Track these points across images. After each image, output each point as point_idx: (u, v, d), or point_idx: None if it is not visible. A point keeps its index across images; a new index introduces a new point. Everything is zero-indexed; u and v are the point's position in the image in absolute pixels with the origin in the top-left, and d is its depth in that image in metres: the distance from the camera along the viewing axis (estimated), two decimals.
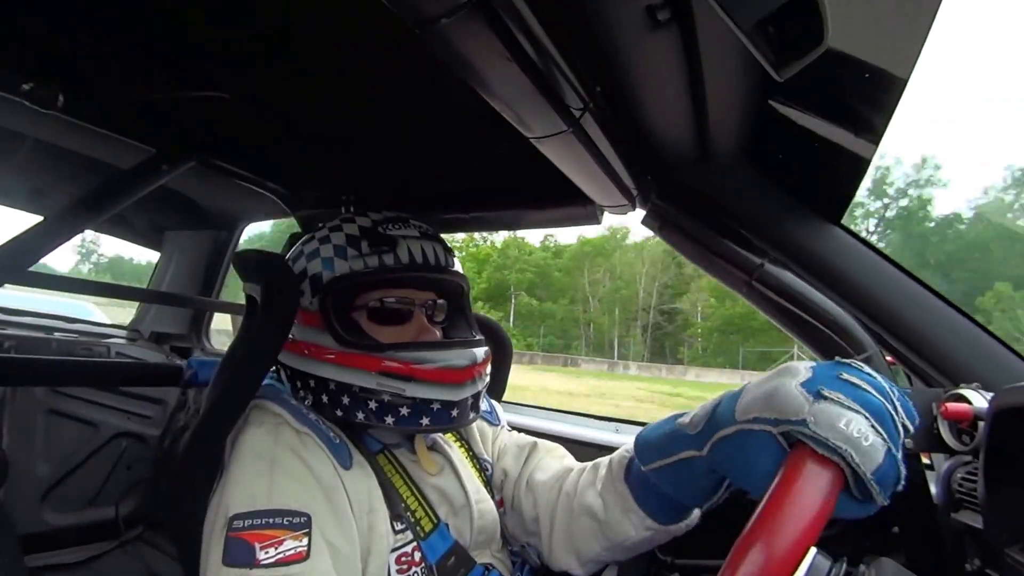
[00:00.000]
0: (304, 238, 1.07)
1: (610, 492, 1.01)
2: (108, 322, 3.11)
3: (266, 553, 0.76)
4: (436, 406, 0.94)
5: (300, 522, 0.79)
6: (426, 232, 1.05)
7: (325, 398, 0.96)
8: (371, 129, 1.38)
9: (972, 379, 0.93)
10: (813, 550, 0.62)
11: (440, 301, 1.08)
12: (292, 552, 0.77)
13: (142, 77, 1.23)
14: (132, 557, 2.28)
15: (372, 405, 0.93)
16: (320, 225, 1.07)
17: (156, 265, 2.74)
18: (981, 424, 0.83)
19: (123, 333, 2.70)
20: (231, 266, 2.63)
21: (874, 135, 0.92)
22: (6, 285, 1.47)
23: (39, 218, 1.48)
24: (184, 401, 2.43)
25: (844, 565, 0.64)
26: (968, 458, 0.91)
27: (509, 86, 0.76)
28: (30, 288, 1.74)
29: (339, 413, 0.94)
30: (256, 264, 1.05)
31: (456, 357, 0.96)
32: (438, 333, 1.06)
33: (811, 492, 0.60)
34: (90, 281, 2.25)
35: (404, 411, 0.93)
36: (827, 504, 0.60)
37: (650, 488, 0.93)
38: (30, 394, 2.11)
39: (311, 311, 0.97)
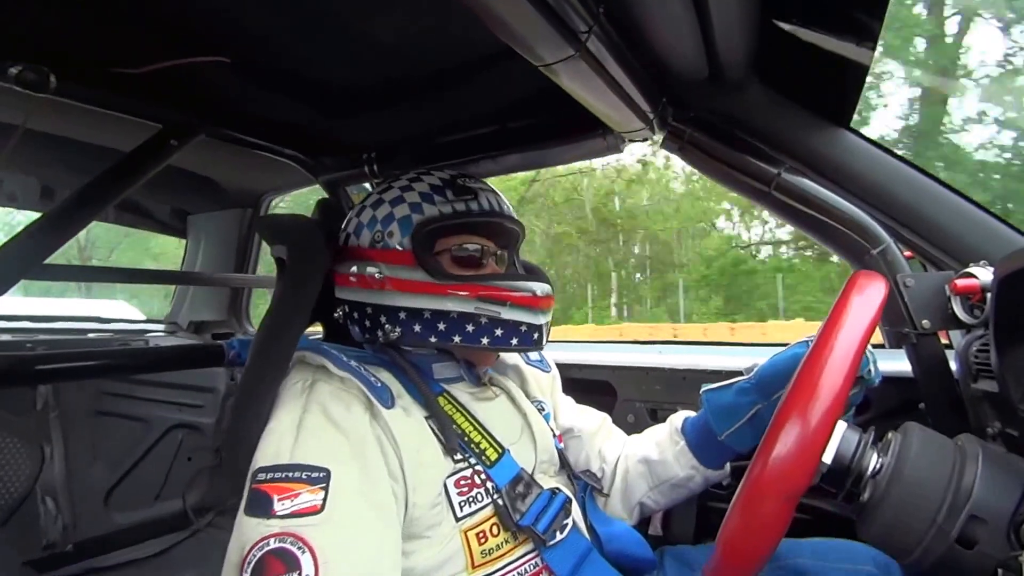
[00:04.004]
0: (379, 187, 1.22)
1: (667, 443, 1.32)
2: (143, 318, 3.24)
3: (282, 505, 0.87)
4: (524, 328, 1.14)
5: (318, 477, 0.90)
6: (492, 188, 1.24)
7: (418, 326, 1.12)
8: (384, 81, 1.46)
9: (980, 259, 1.09)
10: (843, 424, 0.74)
11: (503, 252, 1.26)
12: (307, 505, 0.87)
13: (136, 49, 1.28)
14: (207, 544, 2.51)
15: (469, 328, 1.11)
16: (395, 177, 1.22)
17: (184, 252, 2.89)
18: (989, 296, 1.00)
19: (161, 327, 2.88)
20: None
21: (871, 40, 1.05)
22: (32, 295, 1.49)
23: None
24: (234, 386, 2.60)
25: (872, 434, 0.76)
26: (981, 332, 1.07)
27: (512, 11, 0.83)
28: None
29: (433, 339, 1.12)
30: (280, 225, 1.23)
31: (538, 287, 1.15)
32: None
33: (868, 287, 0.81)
34: (117, 268, 2.37)
35: (499, 332, 1.12)
36: (881, 300, 0.80)
37: (703, 438, 1.26)
38: (74, 397, 2.30)
39: (400, 250, 1.13)
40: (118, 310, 3.79)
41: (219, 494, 2.59)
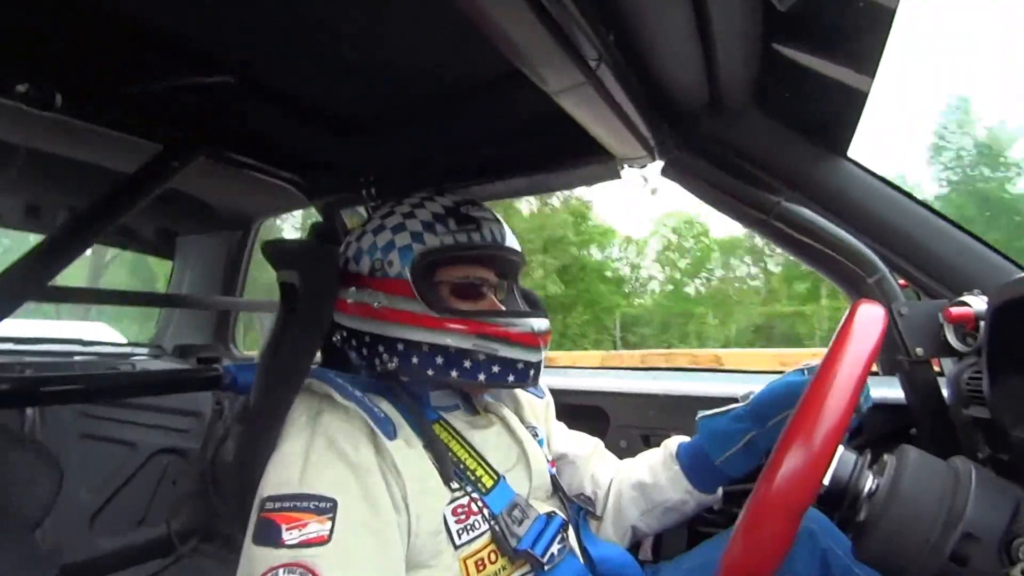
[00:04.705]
0: (381, 212, 1.23)
1: (661, 467, 1.35)
2: (125, 341, 3.22)
3: (291, 534, 0.89)
4: (520, 365, 1.16)
5: (325, 507, 0.93)
6: (496, 216, 1.26)
7: (416, 359, 1.14)
8: (387, 104, 1.49)
9: (973, 288, 1.13)
10: (840, 447, 0.79)
11: (503, 282, 1.29)
12: (314, 535, 0.90)
13: (142, 68, 1.29)
14: (190, 571, 2.48)
15: (467, 364, 1.13)
16: (397, 201, 1.23)
17: (171, 274, 2.90)
18: (983, 324, 1.03)
19: (145, 350, 2.86)
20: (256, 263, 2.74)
21: (870, 68, 1.09)
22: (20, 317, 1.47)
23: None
24: (220, 410, 2.59)
25: (868, 456, 0.80)
26: (973, 360, 1.11)
27: (528, 38, 0.87)
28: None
29: (430, 372, 1.13)
30: (291, 251, 1.25)
31: (536, 324, 1.18)
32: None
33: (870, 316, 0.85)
34: (121, 292, 2.37)
35: (495, 369, 1.14)
36: (882, 329, 0.84)
37: (698, 462, 1.29)
38: (59, 421, 2.27)
39: (400, 280, 1.14)
40: (99, 332, 3.78)
41: (203, 519, 2.56)
